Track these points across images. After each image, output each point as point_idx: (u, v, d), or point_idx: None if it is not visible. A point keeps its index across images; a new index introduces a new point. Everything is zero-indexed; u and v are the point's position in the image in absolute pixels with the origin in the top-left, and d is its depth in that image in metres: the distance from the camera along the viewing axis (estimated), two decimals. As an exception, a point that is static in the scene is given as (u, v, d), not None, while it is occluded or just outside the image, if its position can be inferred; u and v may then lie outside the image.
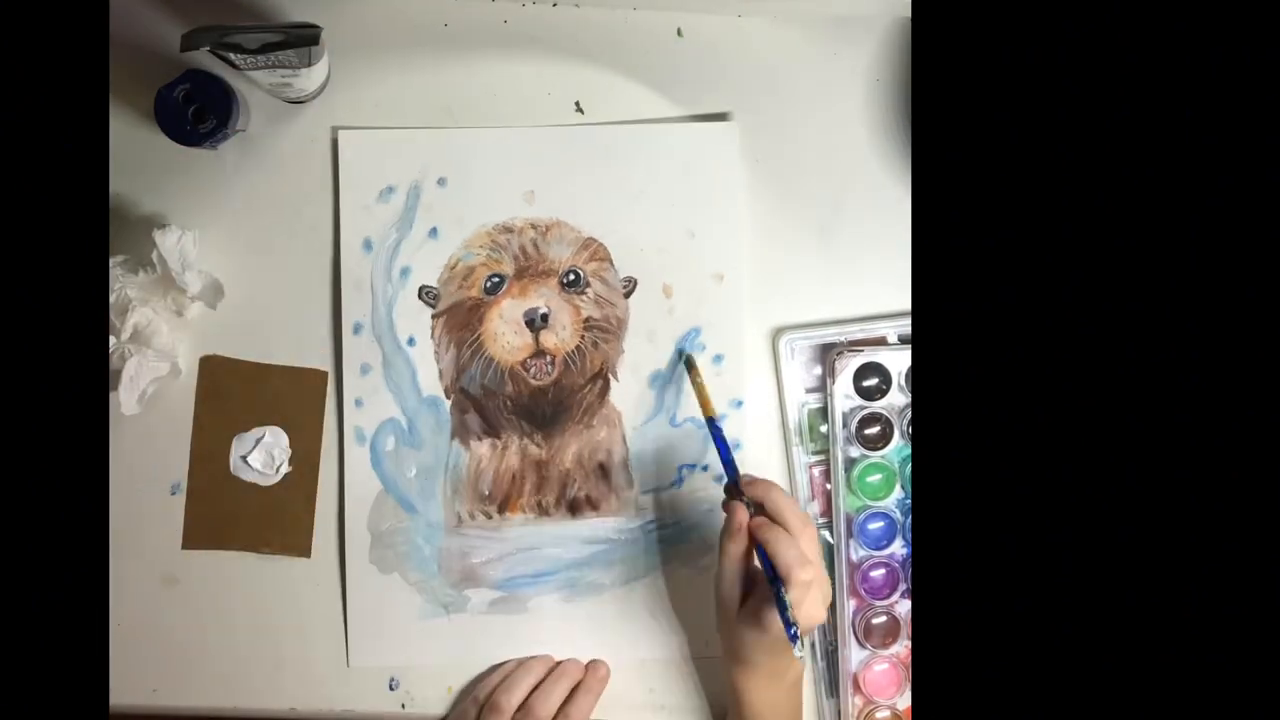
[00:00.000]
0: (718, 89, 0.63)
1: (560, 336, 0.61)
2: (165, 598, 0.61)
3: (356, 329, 0.61)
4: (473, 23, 0.62)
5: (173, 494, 0.61)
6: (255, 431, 0.61)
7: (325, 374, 0.61)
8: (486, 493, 0.62)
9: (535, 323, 0.61)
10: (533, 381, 0.62)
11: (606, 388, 0.62)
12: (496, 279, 0.61)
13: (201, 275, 0.59)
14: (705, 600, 0.60)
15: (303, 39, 0.52)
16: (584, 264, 0.62)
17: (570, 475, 0.62)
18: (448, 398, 0.62)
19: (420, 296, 0.61)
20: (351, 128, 0.61)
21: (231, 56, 0.52)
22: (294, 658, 0.61)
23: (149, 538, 0.61)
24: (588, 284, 0.62)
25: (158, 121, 0.57)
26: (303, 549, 0.61)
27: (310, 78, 0.57)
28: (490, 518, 0.62)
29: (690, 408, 0.62)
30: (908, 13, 0.63)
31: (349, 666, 0.61)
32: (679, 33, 0.63)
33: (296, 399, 0.61)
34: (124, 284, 0.57)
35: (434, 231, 0.61)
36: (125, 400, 0.58)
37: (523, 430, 0.62)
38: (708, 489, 0.62)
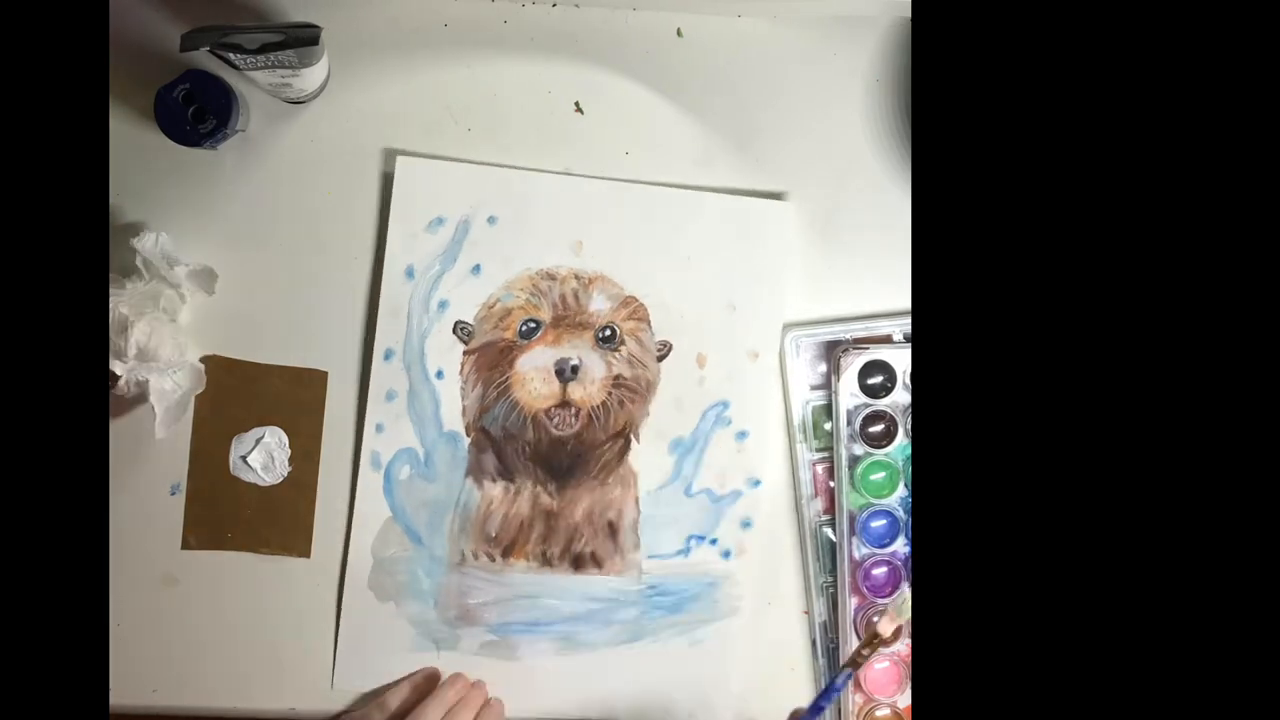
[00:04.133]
0: (718, 89, 0.63)
1: (588, 390, 0.61)
2: (165, 598, 0.61)
3: (388, 355, 0.61)
4: (473, 23, 0.62)
5: (173, 494, 0.61)
6: (255, 431, 0.61)
7: (325, 374, 0.61)
8: (493, 535, 0.62)
9: (565, 373, 0.61)
10: (554, 431, 0.61)
11: (627, 448, 0.62)
12: (533, 324, 0.61)
13: (188, 267, 0.59)
14: (697, 672, 0.60)
15: (303, 39, 0.52)
16: (621, 321, 0.61)
17: (579, 529, 0.62)
18: (468, 435, 0.61)
19: (454, 331, 0.61)
20: (409, 154, 0.61)
21: (231, 56, 0.52)
22: (294, 658, 0.61)
23: (149, 538, 0.61)
24: (622, 342, 0.61)
25: (158, 121, 0.57)
26: (302, 549, 0.61)
27: (310, 78, 0.57)
28: (493, 560, 0.62)
29: (707, 479, 0.62)
30: (908, 13, 0.63)
31: (332, 689, 0.61)
32: (679, 33, 0.63)
33: (296, 399, 0.61)
34: (115, 301, 0.57)
35: (477, 268, 0.61)
36: (160, 425, 0.58)
37: (537, 478, 0.62)
38: (713, 563, 0.62)
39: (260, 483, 0.61)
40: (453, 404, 0.61)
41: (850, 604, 0.62)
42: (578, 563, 0.62)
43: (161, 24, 0.60)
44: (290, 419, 0.61)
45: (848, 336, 0.63)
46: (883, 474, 0.63)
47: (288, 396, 0.61)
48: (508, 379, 0.61)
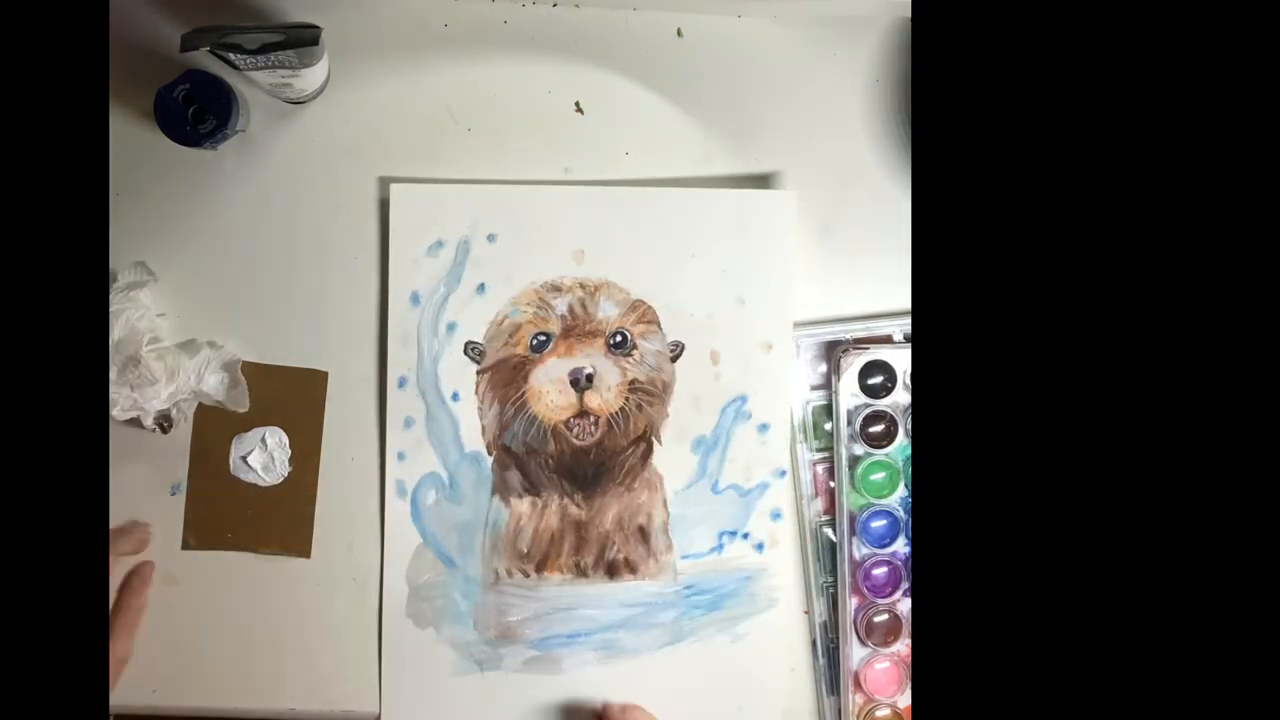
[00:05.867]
0: (718, 89, 0.63)
1: (605, 398, 0.61)
2: (165, 598, 0.61)
3: (401, 383, 0.61)
4: (473, 23, 0.62)
5: (173, 494, 0.61)
6: (255, 431, 0.61)
7: (325, 374, 0.61)
8: (525, 551, 0.62)
9: (580, 382, 0.61)
10: (575, 441, 0.61)
11: (650, 451, 0.62)
12: (543, 337, 0.61)
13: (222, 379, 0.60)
14: (740, 667, 0.61)
15: (303, 39, 0.52)
16: (631, 325, 0.61)
17: (609, 537, 0.62)
18: (490, 454, 0.61)
19: (466, 352, 0.61)
20: (403, 180, 0.61)
21: (231, 57, 0.52)
22: (294, 658, 0.61)
23: (149, 537, 0.61)
24: (634, 346, 0.61)
25: (158, 121, 0.57)
26: (303, 549, 0.61)
27: (310, 78, 0.57)
28: (528, 576, 0.62)
29: (733, 474, 0.62)
30: (908, 13, 0.63)
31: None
32: (679, 33, 0.63)
33: (296, 399, 0.61)
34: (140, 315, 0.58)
35: (482, 287, 0.61)
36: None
37: (564, 490, 0.62)
38: (747, 557, 0.62)
39: (260, 483, 0.61)
40: (471, 424, 0.61)
41: (850, 604, 0.62)
42: (612, 570, 0.62)
43: (161, 24, 0.60)
44: (290, 419, 0.61)
45: (848, 336, 0.63)
46: (883, 474, 0.63)
47: (288, 396, 0.61)
48: (524, 394, 0.61)
